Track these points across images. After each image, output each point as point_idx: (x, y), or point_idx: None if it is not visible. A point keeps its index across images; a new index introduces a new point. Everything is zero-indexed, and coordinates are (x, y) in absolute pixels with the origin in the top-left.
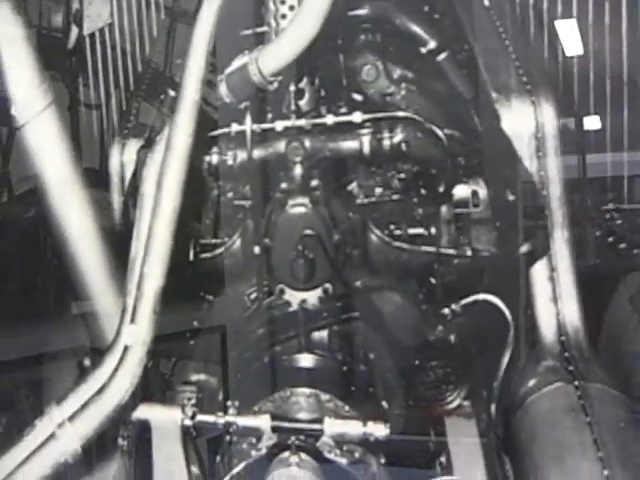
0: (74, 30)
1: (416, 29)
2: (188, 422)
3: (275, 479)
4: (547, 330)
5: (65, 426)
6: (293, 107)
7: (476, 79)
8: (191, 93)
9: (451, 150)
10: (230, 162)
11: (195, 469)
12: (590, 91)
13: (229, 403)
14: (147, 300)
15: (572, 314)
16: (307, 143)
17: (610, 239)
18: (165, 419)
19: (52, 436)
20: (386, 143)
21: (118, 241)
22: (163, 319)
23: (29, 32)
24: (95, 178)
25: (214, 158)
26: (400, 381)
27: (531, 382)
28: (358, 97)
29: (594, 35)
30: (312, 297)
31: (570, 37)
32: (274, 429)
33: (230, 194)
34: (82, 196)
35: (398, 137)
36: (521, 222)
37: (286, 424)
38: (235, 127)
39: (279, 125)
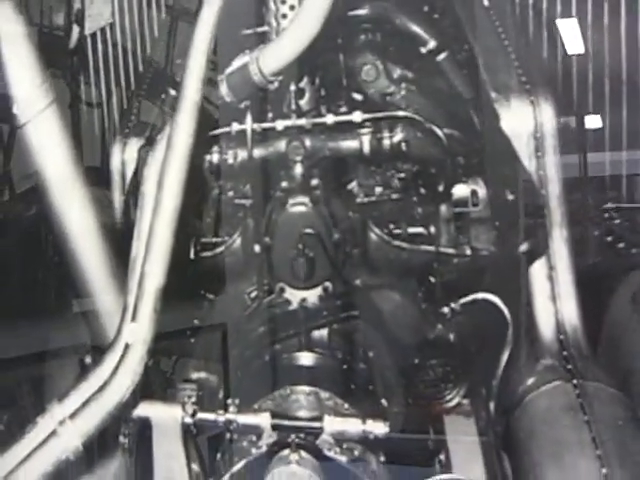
0: (75, 29)
1: (416, 29)
2: (189, 420)
3: (275, 477)
4: (546, 329)
5: (66, 423)
6: (293, 106)
7: (476, 79)
8: (192, 93)
9: (451, 149)
10: (231, 161)
11: (195, 467)
12: (589, 90)
13: (229, 401)
14: (148, 298)
15: (571, 313)
16: (307, 142)
17: (609, 238)
18: (166, 417)
19: (53, 433)
20: (386, 142)
21: (119, 239)
22: (164, 317)
23: (30, 30)
24: (96, 176)
25: (215, 157)
26: (399, 379)
27: (530, 380)
28: (358, 97)
29: (593, 34)
30: (312, 296)
31: (569, 36)
32: (274, 427)
33: (231, 193)
34: (83, 194)
35: (398, 137)
36: (520, 221)
37: (286, 422)
38: (236, 126)
39: (279, 124)
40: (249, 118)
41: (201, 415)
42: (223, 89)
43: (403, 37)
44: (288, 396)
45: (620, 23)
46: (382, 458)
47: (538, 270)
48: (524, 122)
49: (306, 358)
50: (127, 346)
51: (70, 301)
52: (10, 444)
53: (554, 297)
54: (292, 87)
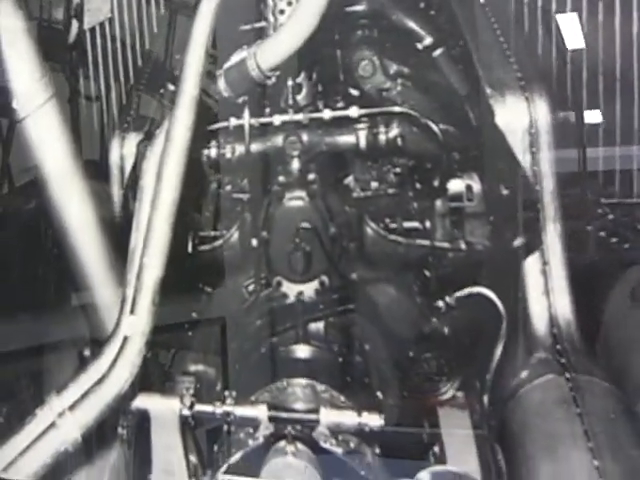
0: (74, 24)
1: (412, 25)
2: (186, 412)
3: (272, 468)
4: (539, 323)
5: (65, 415)
6: (291, 101)
7: (471, 75)
8: (190, 88)
9: (446, 145)
10: (228, 155)
11: (193, 458)
12: (583, 86)
13: (227, 393)
14: (146, 291)
15: (564, 307)
16: (304, 137)
17: (602, 234)
18: (164, 409)
19: (52, 425)
20: (382, 138)
21: (118, 233)
22: (162, 310)
23: (30, 25)
24: (95, 170)
25: (213, 151)
26: (395, 372)
27: (523, 374)
28: (355, 92)
29: (589, 29)
30: (309, 289)
31: (565, 31)
32: (271, 419)
33: (228, 187)
34: (82, 188)
35: (394, 132)
36: (514, 216)
37: (283, 414)
38: (233, 121)
39: (277, 119)
40: (247, 113)
41: (199, 407)
42: (221, 84)
43: (399, 33)
44: (285, 388)
45: (615, 18)
46: (377, 450)
47: (532, 265)
48: (519, 118)
49: (303, 351)
50: (126, 339)
51: (69, 294)
52: (9, 436)
53: (548, 291)
54: (289, 82)
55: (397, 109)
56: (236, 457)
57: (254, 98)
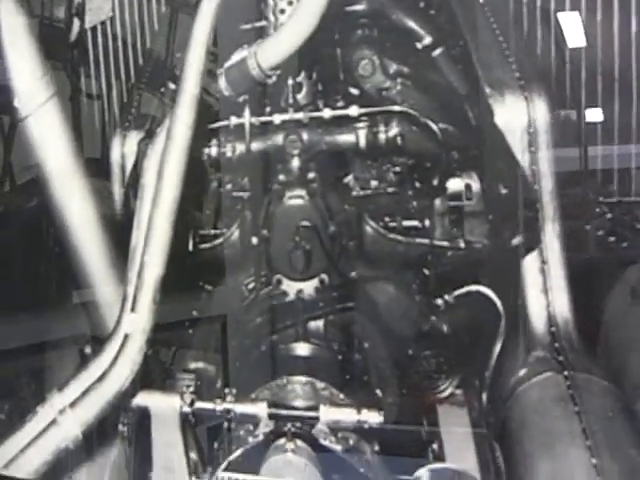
0: (76, 23)
1: (412, 25)
2: (187, 409)
3: (271, 465)
4: (538, 321)
5: (66, 412)
6: (291, 100)
7: (470, 74)
8: (191, 86)
9: (445, 144)
10: (229, 154)
11: (194, 455)
12: (582, 85)
13: (227, 390)
14: (147, 289)
15: (562, 306)
16: (305, 136)
17: (600, 232)
18: (164, 406)
19: (53, 422)
20: (382, 137)
21: (119, 230)
22: (163, 308)
23: (32, 22)
24: (96, 168)
25: (213, 150)
26: (394, 370)
27: (521, 372)
28: (355, 91)
29: (587, 28)
30: (309, 287)
31: (564, 30)
32: (271, 416)
33: (229, 186)
34: (83, 187)
35: (394, 131)
36: (513, 215)
37: (282, 411)
38: (234, 120)
39: (277, 118)
40: (247, 112)
41: (199, 404)
42: (222, 83)
43: (399, 33)
44: (285, 386)
45: (613, 17)
46: (376, 447)
47: (530, 263)
48: (518, 117)
49: (302, 349)
50: (126, 336)
51: (70, 292)
52: (11, 433)
53: (546, 290)
54: (290, 81)
55: (397, 108)
56: (236, 454)
57: (255, 97)
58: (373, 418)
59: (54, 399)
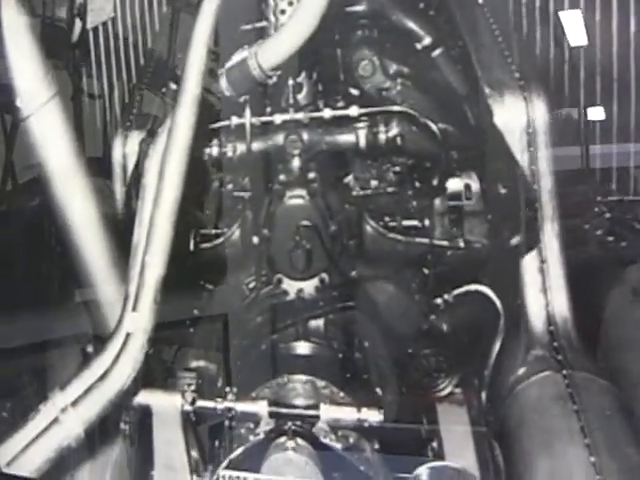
0: (78, 23)
1: (412, 25)
2: (188, 408)
3: (272, 463)
4: (537, 320)
5: (68, 411)
6: (291, 101)
7: (470, 75)
8: (192, 87)
9: (445, 144)
10: (230, 154)
11: (195, 454)
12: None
13: (228, 389)
14: (149, 288)
15: (561, 305)
16: (305, 136)
17: (598, 232)
18: (166, 405)
19: (56, 420)
20: (382, 137)
21: (120, 230)
22: (164, 307)
23: (33, 22)
24: (98, 167)
25: (214, 150)
26: (394, 369)
27: (520, 370)
28: (355, 91)
29: (587, 27)
30: (309, 286)
31: (563, 30)
32: (271, 415)
33: (230, 185)
34: (85, 186)
35: (393, 131)
36: (512, 215)
37: (283, 410)
38: (235, 120)
39: (278, 118)
40: (248, 112)
41: (200, 403)
42: (223, 83)
43: (399, 33)
44: (285, 384)
45: (612, 16)
46: (376, 445)
47: (530, 263)
48: (517, 118)
49: (303, 347)
50: (128, 335)
51: (72, 291)
52: (13, 431)
53: (545, 289)
54: (290, 82)
55: (396, 108)
56: (237, 452)
57: (255, 97)
58: (373, 416)
59: (56, 397)
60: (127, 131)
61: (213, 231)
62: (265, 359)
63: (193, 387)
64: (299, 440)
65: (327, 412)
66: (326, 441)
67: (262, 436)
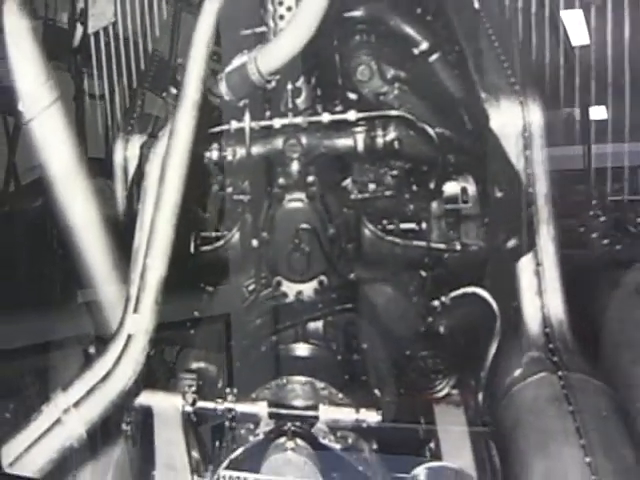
0: (79, 28)
1: (409, 31)
2: (189, 408)
3: (272, 464)
4: (532, 322)
5: (70, 412)
6: (290, 105)
7: (466, 80)
8: (192, 92)
9: (442, 148)
10: (230, 158)
11: (195, 454)
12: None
13: (228, 390)
14: (150, 290)
15: (557, 307)
16: (304, 140)
17: (594, 235)
18: (167, 405)
19: (58, 421)
20: (379, 141)
21: (122, 232)
22: (165, 309)
23: (35, 24)
24: (100, 168)
25: (214, 154)
26: (392, 370)
27: (516, 372)
28: (353, 96)
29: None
30: (308, 289)
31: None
32: (271, 415)
33: (230, 189)
34: (86, 188)
35: (391, 135)
36: (508, 218)
37: (283, 411)
38: (235, 124)
39: (277, 122)
40: (247, 116)
41: (201, 404)
42: (222, 88)
43: (397, 38)
44: (284, 386)
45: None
46: (374, 446)
47: (526, 266)
48: (513, 122)
49: (302, 349)
50: (129, 337)
51: (74, 292)
52: (16, 432)
53: (541, 292)
54: (289, 86)
55: (394, 113)
56: (237, 453)
57: (255, 102)
58: (371, 417)
59: (59, 398)
60: (128, 135)
61: (213, 234)
62: (265, 360)
63: (194, 388)
64: (298, 441)
65: (326, 413)
66: (325, 441)
67: (262, 437)
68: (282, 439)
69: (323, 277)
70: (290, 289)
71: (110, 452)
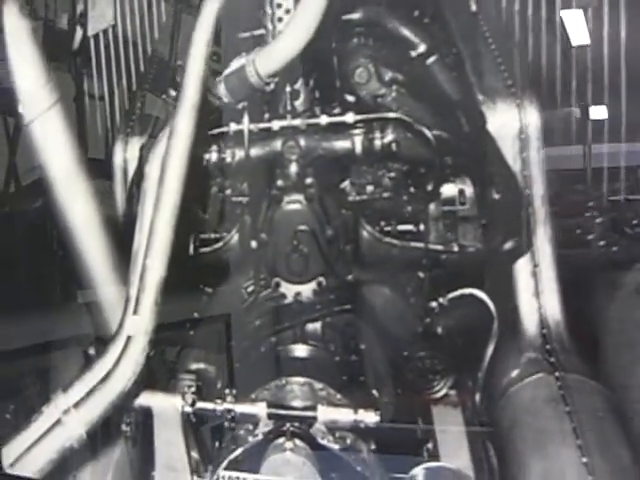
0: (79, 31)
1: (407, 33)
2: (188, 409)
3: (271, 464)
4: (530, 323)
5: (71, 412)
6: (289, 107)
7: (463, 82)
8: (191, 93)
9: (439, 150)
10: (228, 160)
11: (195, 454)
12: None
13: (227, 391)
14: (149, 292)
15: (554, 308)
16: (302, 142)
17: (590, 237)
18: (166, 406)
19: (58, 422)
20: (377, 143)
21: (121, 233)
22: (164, 310)
23: (35, 26)
24: (100, 169)
25: (213, 156)
26: (390, 371)
27: (514, 373)
28: (351, 98)
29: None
30: (306, 290)
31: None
32: (270, 416)
33: (229, 191)
34: (86, 190)
35: (389, 137)
36: (505, 220)
37: (281, 411)
38: (233, 126)
39: (275, 125)
40: (246, 118)
41: (200, 405)
42: (221, 90)
43: (394, 41)
44: (283, 386)
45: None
46: (373, 446)
47: (523, 267)
48: (510, 124)
49: (300, 350)
50: (129, 338)
51: (74, 293)
52: (17, 432)
53: (538, 293)
54: (287, 89)
55: (392, 115)
56: (236, 453)
57: (253, 104)
58: (369, 418)
59: (59, 399)
60: (128, 136)
61: (212, 235)
62: (263, 361)
63: (193, 389)
64: (297, 441)
65: (324, 413)
66: (323, 442)
67: (261, 437)
68: (281, 439)
69: (321, 278)
70: (289, 290)
71: (110, 453)
